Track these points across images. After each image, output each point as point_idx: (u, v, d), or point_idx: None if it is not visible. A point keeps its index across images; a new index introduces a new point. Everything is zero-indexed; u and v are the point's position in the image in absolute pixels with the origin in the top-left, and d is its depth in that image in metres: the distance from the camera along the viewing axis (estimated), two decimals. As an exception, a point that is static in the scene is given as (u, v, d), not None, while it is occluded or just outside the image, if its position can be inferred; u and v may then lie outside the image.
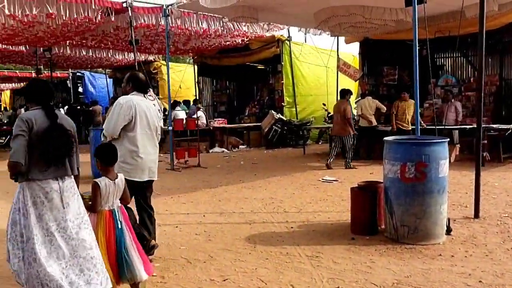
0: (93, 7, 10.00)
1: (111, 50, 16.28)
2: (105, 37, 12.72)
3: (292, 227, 4.96)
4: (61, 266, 2.73)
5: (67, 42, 14.00)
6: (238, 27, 12.86)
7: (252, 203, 6.18)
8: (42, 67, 15.45)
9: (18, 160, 2.71)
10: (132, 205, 3.86)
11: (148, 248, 3.73)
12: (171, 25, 11.47)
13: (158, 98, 17.32)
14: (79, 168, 3.06)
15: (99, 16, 10.36)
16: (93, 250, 2.86)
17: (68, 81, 23.03)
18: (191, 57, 18.00)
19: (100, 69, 24.65)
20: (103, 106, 19.63)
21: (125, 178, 3.36)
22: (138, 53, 17.32)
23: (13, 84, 24.91)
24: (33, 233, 2.72)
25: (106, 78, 22.14)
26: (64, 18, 9.91)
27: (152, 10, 11.15)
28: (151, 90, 4.58)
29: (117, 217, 3.13)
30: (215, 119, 15.14)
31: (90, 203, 3.08)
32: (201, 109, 13.68)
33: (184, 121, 10.14)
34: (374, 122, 9.90)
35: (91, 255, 2.84)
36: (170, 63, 17.56)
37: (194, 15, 11.64)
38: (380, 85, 12.73)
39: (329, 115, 12.71)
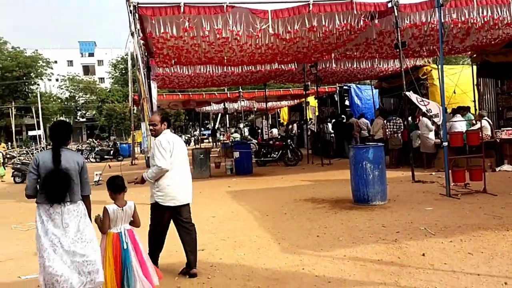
0: (355, 12, 9.23)
1: (376, 59, 15.35)
2: (369, 45, 11.83)
3: None
4: (66, 266, 3.39)
5: (332, 55, 13.81)
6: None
7: None
8: (309, 83, 15.80)
9: (30, 193, 3.52)
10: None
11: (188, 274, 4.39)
12: (444, 20, 9.67)
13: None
14: (88, 193, 3.72)
15: (361, 21, 9.51)
16: (88, 257, 3.46)
17: (335, 95, 23.43)
18: (467, 57, 15.27)
19: (367, 80, 24.28)
20: (368, 118, 18.92)
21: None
22: (406, 59, 15.88)
23: (287, 101, 27.07)
24: (41, 243, 3.40)
25: (371, 89, 21.44)
26: (325, 29, 9.50)
27: (421, 7, 9.58)
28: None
29: (123, 239, 3.71)
30: (502, 128, 12.12)
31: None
32: (485, 117, 11.08)
33: (464, 134, 8.04)
34: None
35: (85, 259, 3.44)
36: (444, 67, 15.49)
37: (473, 2, 9.49)
38: None
39: None
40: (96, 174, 13.56)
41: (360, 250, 4.86)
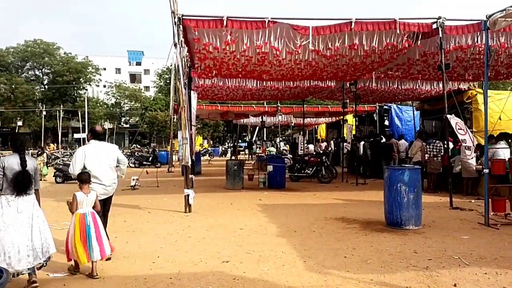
0: (398, 32, 9.10)
1: (418, 81, 15.04)
2: (411, 65, 11.61)
3: None
4: (20, 238, 4.37)
5: (372, 74, 13.64)
6: None
7: None
8: (348, 101, 15.63)
9: None
10: None
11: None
12: (492, 44, 9.39)
13: (471, 131, 14.85)
14: (38, 187, 4.75)
15: (404, 41, 9.35)
16: (41, 235, 4.55)
17: (374, 114, 23.07)
18: (517, 82, 14.67)
19: (408, 101, 23.78)
20: (408, 140, 18.47)
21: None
22: (450, 82, 15.45)
23: (325, 118, 26.87)
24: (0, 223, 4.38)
25: (413, 110, 20.96)
26: (366, 48, 9.40)
27: (467, 29, 9.33)
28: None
29: (87, 218, 4.89)
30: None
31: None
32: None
33: (507, 162, 7.69)
34: None
35: (37, 237, 4.50)
36: (488, 91, 14.93)
37: (524, 27, 9.16)
38: None
39: None
40: (133, 179, 13.88)
41: (389, 275, 4.70)
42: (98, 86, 63.51)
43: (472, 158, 10.52)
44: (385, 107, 22.64)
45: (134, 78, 75.40)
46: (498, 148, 10.58)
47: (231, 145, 42.63)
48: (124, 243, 6.28)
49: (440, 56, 9.46)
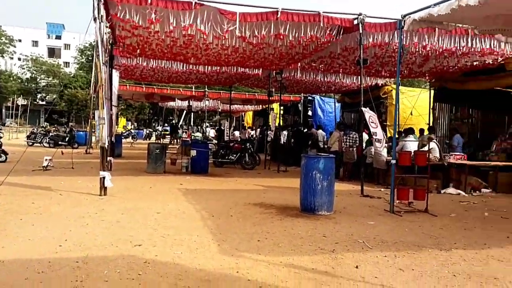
0: (322, 25, 9.39)
1: (340, 74, 15.67)
2: (333, 59, 12.06)
3: None
4: None
5: (298, 65, 13.99)
6: (492, 44, 10.42)
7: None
8: (273, 89, 15.90)
9: None
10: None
11: None
12: (405, 43, 10.03)
13: (386, 125, 15.81)
14: None
15: (326, 34, 9.68)
16: None
17: (299, 105, 23.73)
18: (427, 81, 15.82)
19: (331, 93, 24.72)
20: (328, 130, 19.28)
21: None
22: (368, 77, 16.27)
23: (252, 106, 27.19)
24: None
25: (334, 102, 21.87)
26: (291, 38, 9.60)
27: (385, 27, 9.86)
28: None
29: None
30: (451, 153, 12.64)
31: None
32: (434, 140, 11.50)
33: (412, 154, 8.31)
34: None
35: None
36: (402, 87, 15.96)
37: (435, 30, 9.89)
38: None
39: None
40: (46, 159, 13.05)
41: (297, 257, 4.91)
42: (12, 59, 58.77)
43: (382, 150, 11.16)
44: (309, 98, 23.38)
45: (53, 52, 70.68)
46: (407, 141, 11.37)
47: (157, 128, 41.69)
48: (29, 226, 5.92)
49: (359, 51, 9.93)
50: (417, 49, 10.52)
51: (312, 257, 4.92)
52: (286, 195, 9.45)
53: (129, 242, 5.27)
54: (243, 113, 33.68)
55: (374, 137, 10.29)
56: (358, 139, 12.55)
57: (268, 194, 9.57)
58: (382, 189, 10.85)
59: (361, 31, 9.67)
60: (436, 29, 9.92)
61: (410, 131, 12.08)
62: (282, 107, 22.12)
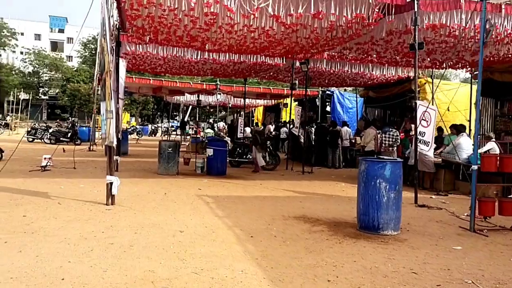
0: (370, 1, 7.86)
1: (369, 65, 14.13)
2: (373, 45, 10.48)
3: None
4: None
5: (325, 54, 12.50)
6: None
7: None
8: (297, 81, 14.34)
9: None
10: None
11: None
12: (465, 26, 8.52)
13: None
14: None
15: (374, 13, 8.13)
16: None
17: (316, 99, 22.15)
18: (468, 72, 14.27)
19: (350, 88, 23.17)
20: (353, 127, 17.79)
21: None
22: (401, 68, 14.74)
23: (265, 100, 25.65)
24: None
25: (356, 97, 20.28)
26: (332, 18, 8.07)
27: (443, 6, 8.31)
28: None
29: None
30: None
31: None
32: (493, 139, 9.92)
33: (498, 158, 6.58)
34: None
35: None
36: (436, 81, 14.43)
37: (501, 10, 8.38)
38: None
39: None
40: (45, 158, 11.57)
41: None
42: (14, 52, 57.33)
43: (429, 151, 9.57)
44: (328, 92, 21.80)
45: (55, 46, 69.12)
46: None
47: (163, 124, 40.30)
48: (15, 253, 4.43)
49: (413, 34, 8.38)
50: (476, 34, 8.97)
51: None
52: (328, 204, 7.95)
53: (150, 283, 3.77)
54: (253, 109, 32.14)
55: (420, 137, 8.80)
56: (399, 137, 11.04)
57: (305, 203, 8.04)
58: (433, 196, 9.34)
59: (415, 9, 8.15)
60: (503, 9, 8.46)
61: (463, 128, 10.49)
62: (296, 102, 20.57)
